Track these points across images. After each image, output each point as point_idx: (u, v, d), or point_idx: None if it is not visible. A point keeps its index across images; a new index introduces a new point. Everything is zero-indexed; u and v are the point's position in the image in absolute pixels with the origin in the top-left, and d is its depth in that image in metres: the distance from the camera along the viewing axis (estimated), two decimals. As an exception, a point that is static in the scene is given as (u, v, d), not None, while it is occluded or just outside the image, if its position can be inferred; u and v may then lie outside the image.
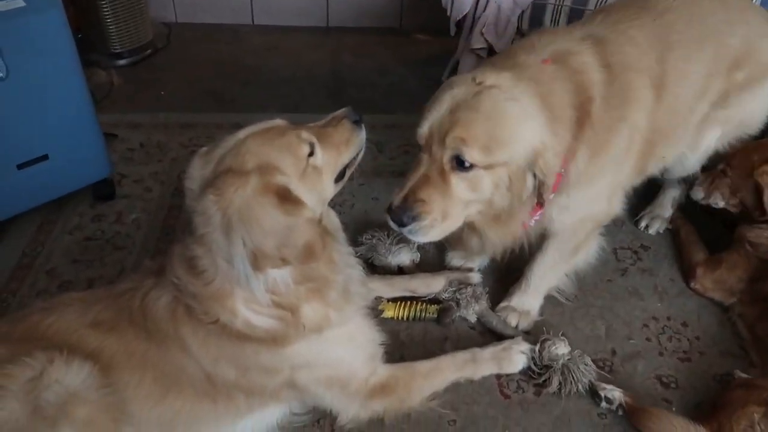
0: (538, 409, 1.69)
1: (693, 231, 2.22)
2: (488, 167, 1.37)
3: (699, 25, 1.70)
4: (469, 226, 1.57)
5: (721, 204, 2.02)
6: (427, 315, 1.91)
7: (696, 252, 2.13)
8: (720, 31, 1.72)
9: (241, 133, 1.38)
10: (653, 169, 1.87)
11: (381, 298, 1.93)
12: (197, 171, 1.36)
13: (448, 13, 2.77)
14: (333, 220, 1.56)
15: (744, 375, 1.74)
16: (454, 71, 2.97)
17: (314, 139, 1.39)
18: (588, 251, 1.87)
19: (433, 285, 1.97)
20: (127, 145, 2.67)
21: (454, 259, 2.11)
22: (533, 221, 1.61)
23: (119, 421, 1.34)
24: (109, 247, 2.16)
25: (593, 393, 1.69)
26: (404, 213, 1.40)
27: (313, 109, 2.99)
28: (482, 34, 2.67)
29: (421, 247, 2.13)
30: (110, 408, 1.32)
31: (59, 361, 1.28)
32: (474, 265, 2.09)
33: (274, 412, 1.60)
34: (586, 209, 1.71)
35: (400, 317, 1.91)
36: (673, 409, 1.70)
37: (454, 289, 1.94)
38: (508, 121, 1.36)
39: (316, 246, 1.30)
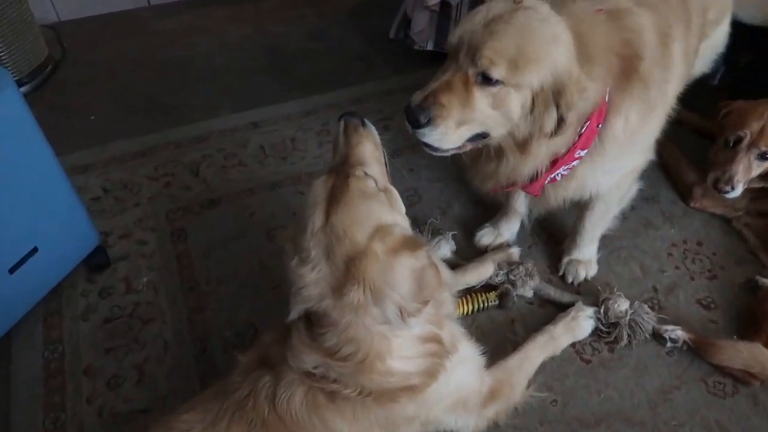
0: (616, 364, 1.85)
1: (676, 150, 2.40)
2: (515, 86, 1.37)
3: None
4: (494, 150, 1.56)
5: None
6: (489, 303, 1.98)
7: (687, 172, 2.32)
8: None
9: (316, 222, 1.28)
10: None
11: (442, 299, 1.97)
12: (311, 277, 1.27)
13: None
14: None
15: (765, 279, 1.99)
16: (404, 29, 2.85)
17: (361, 167, 1.36)
18: (630, 195, 1.98)
19: (483, 273, 2.02)
20: (88, 195, 2.37)
21: (484, 237, 2.17)
22: (560, 174, 1.64)
23: None
24: (137, 323, 1.98)
25: (658, 336, 1.88)
26: (422, 113, 1.38)
27: (269, 100, 2.80)
28: (435, -12, 2.56)
29: (454, 236, 2.16)
30: None
31: None
32: (504, 240, 2.16)
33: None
34: (631, 165, 1.79)
35: (465, 313, 1.97)
36: (719, 325, 1.94)
37: (505, 271, 2.01)
38: (537, 39, 1.36)
39: (438, 276, 1.31)
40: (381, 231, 1.26)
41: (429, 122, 1.38)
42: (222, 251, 2.16)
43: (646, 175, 2.34)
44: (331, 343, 1.31)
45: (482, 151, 1.57)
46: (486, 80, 1.36)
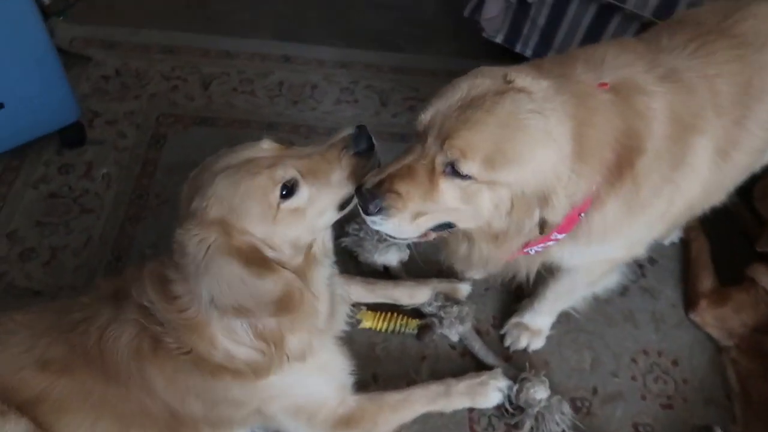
0: (504, 452, 1.65)
1: (706, 249, 2.04)
2: (489, 183, 1.15)
3: None
4: (464, 235, 1.37)
5: None
6: (407, 329, 1.81)
7: (704, 278, 1.98)
8: None
9: (221, 163, 1.24)
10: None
11: (360, 306, 1.82)
12: (186, 193, 1.26)
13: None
14: (325, 245, 1.40)
15: (723, 434, 1.68)
16: (477, 11, 2.57)
17: (296, 176, 1.22)
18: (607, 283, 1.70)
19: (417, 296, 1.85)
20: (101, 72, 2.39)
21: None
22: (533, 250, 1.41)
23: None
24: (76, 208, 1.99)
25: (563, 443, 1.65)
26: (372, 200, 1.18)
27: (312, 38, 2.66)
28: (516, -22, 2.26)
29: (410, 246, 1.97)
30: None
31: None
32: (471, 274, 1.94)
33: (238, 435, 1.57)
34: (604, 256, 1.53)
35: (378, 329, 1.81)
36: (644, 462, 1.67)
37: (439, 304, 1.82)
38: (523, 136, 1.11)
39: (290, 300, 1.21)
40: (229, 226, 1.18)
41: (380, 211, 1.19)
42: (186, 173, 2.09)
43: (659, 264, 2.06)
44: (168, 275, 1.27)
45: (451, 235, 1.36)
46: (455, 172, 1.14)
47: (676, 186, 1.33)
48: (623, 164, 1.22)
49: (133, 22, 2.58)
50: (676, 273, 2.06)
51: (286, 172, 1.21)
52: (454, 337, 1.81)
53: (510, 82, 1.14)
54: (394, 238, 1.26)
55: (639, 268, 2.06)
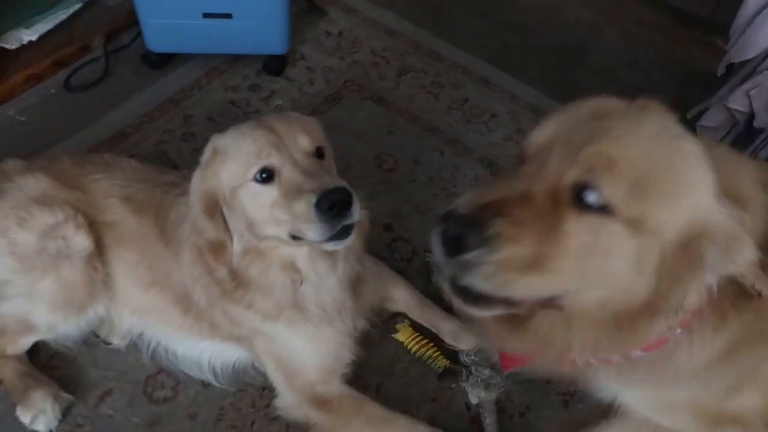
0: None
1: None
2: (633, 224, 0.81)
3: None
4: (562, 317, 0.91)
5: None
6: (434, 364, 1.73)
7: None
8: None
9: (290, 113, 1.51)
10: None
11: (404, 319, 1.79)
12: None
13: (727, 47, 2.09)
14: (316, 264, 1.41)
15: None
16: (700, 116, 2.32)
17: (277, 165, 1.25)
18: None
19: (461, 340, 1.75)
20: (328, 27, 2.67)
21: None
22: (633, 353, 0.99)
23: (94, 296, 1.54)
24: (241, 120, 2.27)
25: None
26: (472, 227, 0.81)
27: (518, 73, 2.64)
28: (748, 94, 1.99)
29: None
30: (90, 282, 1.54)
31: (72, 223, 1.49)
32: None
33: (235, 352, 1.67)
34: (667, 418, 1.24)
35: (408, 347, 1.76)
36: None
37: (476, 359, 1.71)
38: (680, 158, 0.84)
39: (218, 251, 1.35)
40: (210, 167, 1.34)
41: (483, 244, 0.80)
42: (338, 136, 2.24)
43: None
44: None
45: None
46: (586, 203, 0.82)
47: None
48: (728, 304, 0.93)
49: (380, 3, 2.82)
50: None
51: (271, 161, 1.25)
52: (473, 399, 1.68)
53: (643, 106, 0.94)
54: (481, 302, 0.88)
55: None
